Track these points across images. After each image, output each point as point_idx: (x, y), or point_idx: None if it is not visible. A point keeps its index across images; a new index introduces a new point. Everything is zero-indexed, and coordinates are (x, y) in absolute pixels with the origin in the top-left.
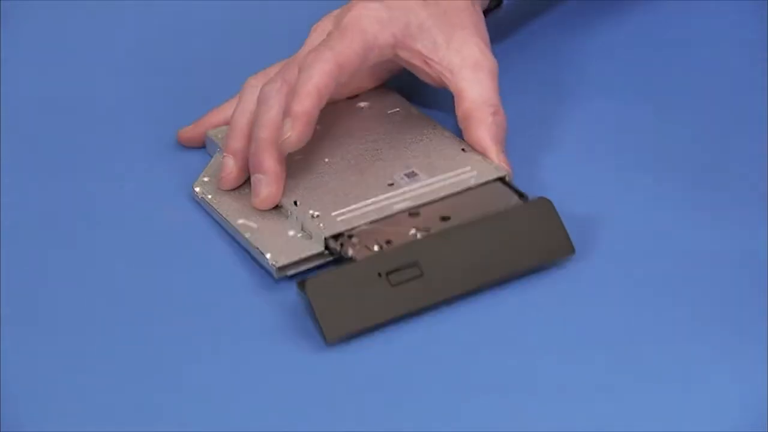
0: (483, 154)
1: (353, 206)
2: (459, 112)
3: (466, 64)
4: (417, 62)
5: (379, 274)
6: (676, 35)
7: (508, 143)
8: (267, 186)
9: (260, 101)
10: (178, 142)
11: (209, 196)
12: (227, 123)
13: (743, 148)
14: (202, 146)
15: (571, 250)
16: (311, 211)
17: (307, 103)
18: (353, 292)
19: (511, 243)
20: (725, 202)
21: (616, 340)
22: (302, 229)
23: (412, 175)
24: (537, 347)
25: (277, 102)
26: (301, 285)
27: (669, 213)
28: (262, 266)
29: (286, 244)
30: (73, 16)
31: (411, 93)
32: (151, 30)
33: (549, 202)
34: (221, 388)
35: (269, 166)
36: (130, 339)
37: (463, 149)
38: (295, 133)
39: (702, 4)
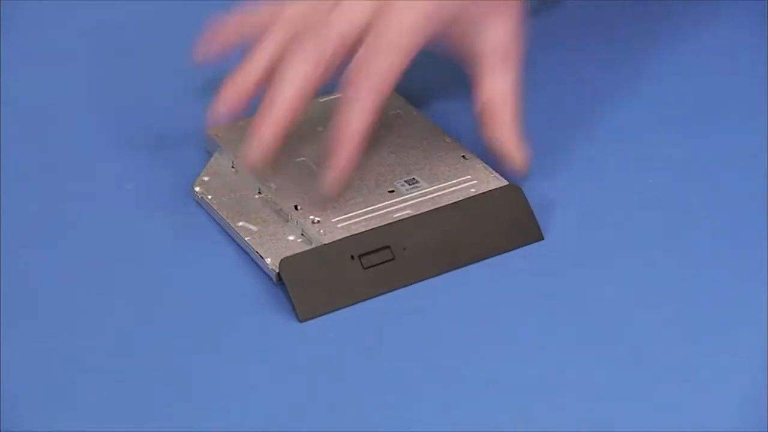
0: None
1: (354, 213)
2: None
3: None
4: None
5: (352, 257)
6: (675, 35)
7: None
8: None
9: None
10: (197, 63)
11: (209, 197)
12: (244, 37)
13: (738, 151)
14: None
15: (539, 236)
16: (312, 217)
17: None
18: (326, 274)
19: (482, 228)
20: (717, 199)
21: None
22: (302, 234)
23: (412, 182)
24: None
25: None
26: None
27: (654, 207)
28: (260, 268)
29: (286, 249)
30: (73, 16)
31: (410, 94)
32: (151, 30)
33: (519, 189)
34: (222, 389)
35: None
36: (130, 338)
37: (463, 156)
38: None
39: (702, 4)
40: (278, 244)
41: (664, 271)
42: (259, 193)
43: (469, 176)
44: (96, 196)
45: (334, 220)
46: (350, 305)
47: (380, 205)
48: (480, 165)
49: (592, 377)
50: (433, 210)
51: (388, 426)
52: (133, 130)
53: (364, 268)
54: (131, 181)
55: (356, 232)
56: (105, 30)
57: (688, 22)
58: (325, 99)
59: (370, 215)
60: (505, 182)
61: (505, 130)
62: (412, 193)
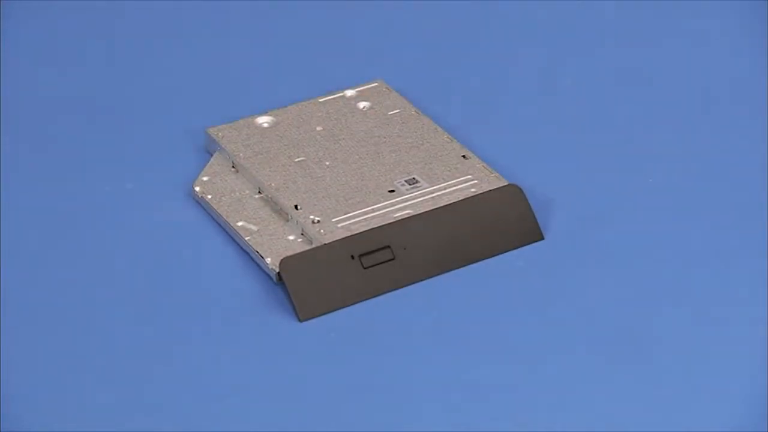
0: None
1: (354, 212)
2: None
3: None
4: None
5: (352, 257)
6: (674, 34)
7: (502, 136)
8: None
9: None
10: None
11: (209, 197)
12: None
13: (738, 150)
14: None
15: (539, 236)
16: (312, 216)
17: None
18: (326, 274)
19: (482, 228)
20: (717, 199)
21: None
22: (302, 234)
23: (412, 182)
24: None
25: None
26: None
27: (654, 207)
28: (260, 268)
29: (286, 249)
30: (74, 16)
31: (411, 94)
32: (150, 30)
33: (519, 188)
34: (222, 389)
35: None
36: (130, 338)
37: (463, 156)
38: None
39: (701, 4)
40: (278, 244)
41: (664, 271)
42: (259, 193)
43: (470, 176)
44: (96, 196)
45: (334, 219)
46: (350, 305)
47: (380, 205)
48: (480, 165)
49: (592, 376)
50: (433, 210)
51: (387, 426)
52: (132, 130)
53: (364, 268)
54: (131, 181)
55: (356, 232)
56: (104, 30)
57: (688, 22)
58: (325, 99)
59: (370, 215)
60: (505, 182)
61: None
62: (412, 192)
